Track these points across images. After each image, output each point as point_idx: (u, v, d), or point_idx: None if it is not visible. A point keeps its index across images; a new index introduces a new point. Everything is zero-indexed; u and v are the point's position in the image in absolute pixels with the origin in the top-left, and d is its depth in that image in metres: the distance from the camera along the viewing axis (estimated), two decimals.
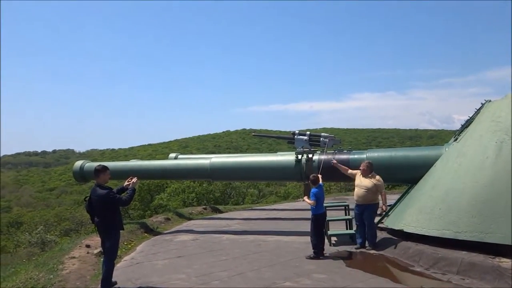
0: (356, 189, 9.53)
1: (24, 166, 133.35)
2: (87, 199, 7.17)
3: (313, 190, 9.00)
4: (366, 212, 9.31)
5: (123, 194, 7.12)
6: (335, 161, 10.42)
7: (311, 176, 9.35)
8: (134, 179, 7.28)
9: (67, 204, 65.17)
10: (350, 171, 10.06)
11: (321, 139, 12.10)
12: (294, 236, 11.16)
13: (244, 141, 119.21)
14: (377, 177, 9.42)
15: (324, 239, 9.15)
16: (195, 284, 7.32)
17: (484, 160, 8.20)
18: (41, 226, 29.61)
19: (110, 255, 7.01)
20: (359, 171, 9.69)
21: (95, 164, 15.41)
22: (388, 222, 9.91)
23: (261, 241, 10.89)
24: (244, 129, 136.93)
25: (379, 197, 9.45)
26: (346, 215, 10.90)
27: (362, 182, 9.42)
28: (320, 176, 9.40)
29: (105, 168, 7.21)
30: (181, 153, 20.33)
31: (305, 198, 9.44)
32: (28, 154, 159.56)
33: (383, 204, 9.26)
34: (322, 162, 11.14)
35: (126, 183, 7.27)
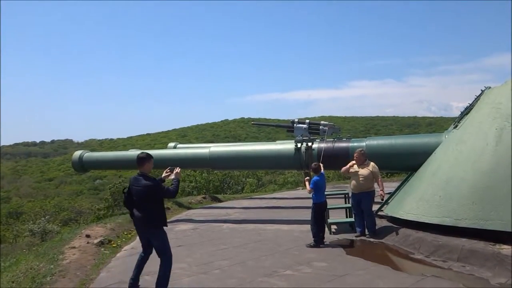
0: (352, 178, 9.49)
1: (23, 157, 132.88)
2: (125, 191, 6.38)
3: (315, 178, 8.98)
4: (364, 201, 9.29)
5: (169, 185, 6.40)
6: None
7: (312, 165, 9.33)
8: (178, 169, 6.54)
9: (66, 194, 65.28)
10: (345, 168, 9.68)
11: (321, 127, 12.07)
12: (294, 225, 11.17)
13: (243, 130, 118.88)
14: (372, 164, 9.39)
15: (324, 228, 9.16)
16: (196, 273, 7.32)
17: (484, 147, 8.17)
18: (47, 216, 29.71)
19: (164, 253, 6.22)
20: (352, 161, 9.64)
21: (94, 154, 15.45)
22: (388, 210, 9.92)
23: (261, 229, 10.90)
24: (242, 118, 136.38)
25: (375, 184, 9.44)
26: (346, 203, 10.91)
27: (358, 171, 9.38)
28: (321, 164, 9.37)
29: (150, 156, 6.45)
30: (180, 143, 20.31)
31: (306, 181, 9.39)
32: (26, 144, 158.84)
33: (381, 190, 9.23)
34: (323, 150, 11.11)
35: (164, 174, 6.60)
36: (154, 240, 6.23)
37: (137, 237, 10.64)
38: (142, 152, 6.61)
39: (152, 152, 15.69)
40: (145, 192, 6.08)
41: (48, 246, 10.07)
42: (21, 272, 7.74)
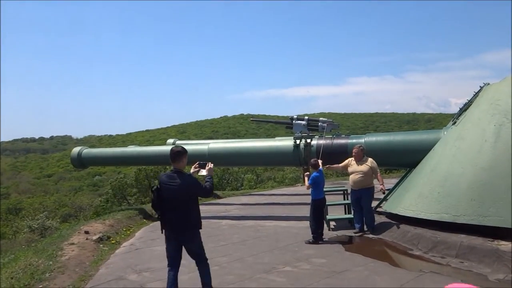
0: (351, 175, 9.45)
1: (22, 153, 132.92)
2: (154, 189, 5.66)
3: (314, 174, 8.97)
4: (364, 197, 9.29)
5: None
6: (327, 166, 10.00)
7: (311, 160, 9.32)
8: (211, 165, 5.90)
9: (65, 190, 65.41)
10: (341, 165, 9.81)
11: (319, 123, 12.06)
12: (293, 221, 11.17)
13: (242, 126, 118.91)
14: (370, 159, 9.39)
15: (323, 224, 9.16)
16: (195, 269, 7.27)
17: (483, 144, 8.17)
18: (45, 212, 29.76)
19: (202, 254, 5.80)
20: (349, 158, 9.64)
21: (93, 150, 15.41)
22: (387, 206, 9.92)
23: (260, 226, 10.90)
24: (241, 114, 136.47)
25: (374, 180, 9.43)
26: (344, 199, 10.92)
27: (357, 168, 9.36)
28: (320, 161, 9.36)
29: (185, 150, 5.77)
30: (179, 139, 20.29)
31: (306, 176, 9.38)
32: (25, 140, 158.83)
33: (382, 185, 9.23)
34: (322, 147, 11.10)
35: (192, 170, 5.86)
36: (192, 242, 5.65)
37: (136, 234, 10.79)
38: (177, 146, 5.93)
39: (151, 148, 15.79)
40: (184, 190, 5.48)
41: (47, 242, 10.07)
42: (20, 268, 7.73)
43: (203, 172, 5.83)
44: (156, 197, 5.59)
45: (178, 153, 5.64)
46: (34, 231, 23.01)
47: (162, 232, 5.72)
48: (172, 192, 5.46)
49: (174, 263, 5.71)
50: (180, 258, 5.72)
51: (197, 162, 5.97)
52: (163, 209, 5.57)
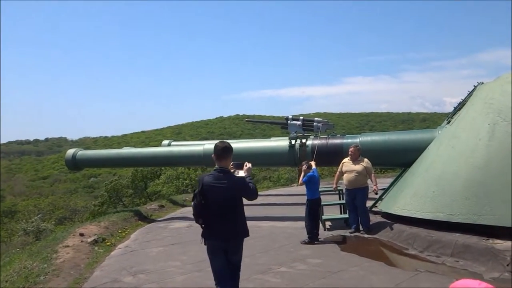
0: (346, 174, 9.45)
1: (16, 155, 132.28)
2: (197, 192, 4.86)
3: (309, 173, 8.95)
4: (358, 196, 9.30)
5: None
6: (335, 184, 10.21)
7: (303, 163, 9.31)
8: (249, 164, 5.12)
9: (60, 192, 65.02)
10: (338, 172, 9.86)
11: (315, 124, 12.06)
12: (288, 222, 11.16)
13: (238, 127, 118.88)
14: (366, 159, 9.41)
15: (318, 224, 9.15)
16: (190, 271, 7.31)
17: (477, 143, 8.19)
18: (39, 215, 29.60)
19: (240, 268, 5.01)
20: (344, 160, 9.65)
21: (88, 152, 15.35)
22: (382, 206, 9.94)
23: (255, 226, 10.85)
24: (237, 115, 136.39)
25: (368, 180, 9.45)
26: (340, 199, 10.92)
27: (352, 167, 9.38)
28: (313, 162, 9.35)
29: (231, 147, 5.06)
30: (175, 140, 20.25)
31: (299, 170, 9.35)
32: (20, 142, 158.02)
33: (375, 185, 9.24)
34: (317, 147, 11.11)
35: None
36: (236, 252, 4.88)
37: (131, 235, 10.75)
38: (222, 141, 5.16)
39: (146, 150, 15.72)
40: (234, 192, 4.79)
41: (41, 245, 10.01)
42: (15, 272, 7.68)
43: (241, 173, 5.09)
44: (200, 201, 4.76)
45: (226, 149, 4.93)
46: (29, 233, 22.87)
47: (203, 243, 4.89)
48: (220, 194, 4.71)
49: (224, 280, 4.84)
50: (229, 271, 4.87)
51: (232, 163, 5.14)
52: (208, 215, 4.77)
